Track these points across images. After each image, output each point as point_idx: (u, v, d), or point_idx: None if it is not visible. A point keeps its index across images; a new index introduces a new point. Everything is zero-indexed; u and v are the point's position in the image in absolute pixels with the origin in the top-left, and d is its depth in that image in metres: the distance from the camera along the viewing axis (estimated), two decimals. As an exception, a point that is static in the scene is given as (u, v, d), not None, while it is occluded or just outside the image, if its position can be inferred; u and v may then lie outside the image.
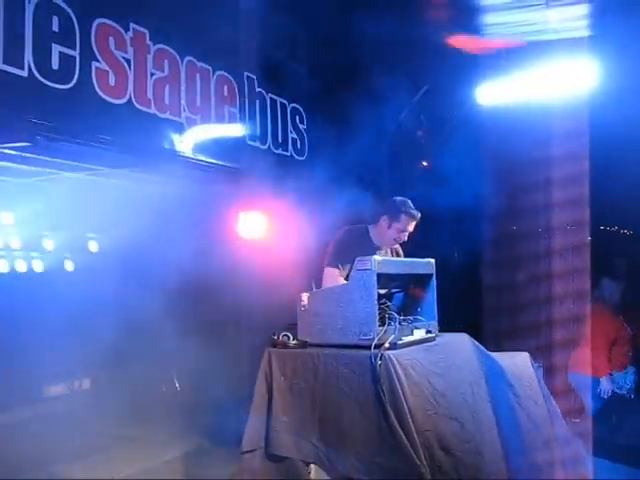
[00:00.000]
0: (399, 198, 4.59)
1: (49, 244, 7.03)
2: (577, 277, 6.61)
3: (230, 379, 6.21)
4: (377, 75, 7.20)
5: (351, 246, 4.26)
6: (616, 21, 6.03)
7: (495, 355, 4.18)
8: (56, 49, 3.97)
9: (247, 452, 3.70)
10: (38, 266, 7.00)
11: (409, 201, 4.55)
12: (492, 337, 6.14)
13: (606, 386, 6.20)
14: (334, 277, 4.23)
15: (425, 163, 8.32)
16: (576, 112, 6.42)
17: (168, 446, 6.31)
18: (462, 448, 3.36)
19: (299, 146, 6.69)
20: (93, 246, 7.38)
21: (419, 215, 4.52)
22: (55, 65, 3.97)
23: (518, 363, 4.25)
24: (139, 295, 6.67)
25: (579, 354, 6.37)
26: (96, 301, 6.80)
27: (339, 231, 4.59)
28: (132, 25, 4.58)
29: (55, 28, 3.96)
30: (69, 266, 7.24)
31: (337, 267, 4.30)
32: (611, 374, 6.30)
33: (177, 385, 7.75)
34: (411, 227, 4.53)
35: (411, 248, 4.73)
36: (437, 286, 4.10)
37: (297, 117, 6.71)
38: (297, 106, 6.70)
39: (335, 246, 4.46)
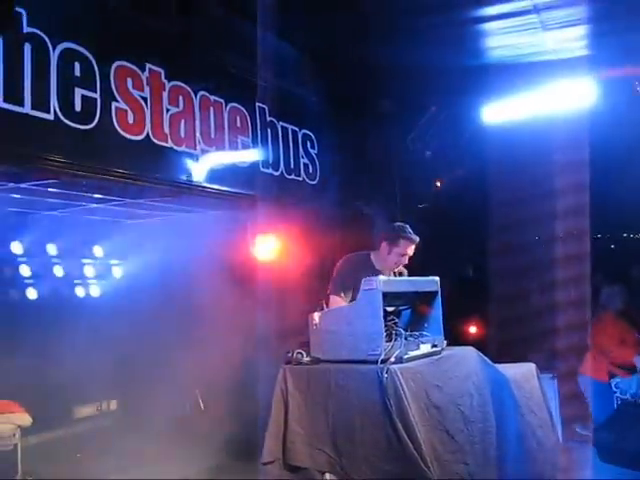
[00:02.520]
0: (397, 223, 4.82)
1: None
2: (582, 284, 6.75)
3: (250, 396, 6.42)
4: (385, 98, 7.46)
5: (352, 273, 4.44)
6: (611, 40, 6.26)
7: (501, 366, 4.37)
8: (78, 92, 4.26)
9: (266, 463, 3.93)
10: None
11: (407, 226, 4.75)
12: (499, 346, 6.32)
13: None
14: (337, 304, 4.43)
15: (438, 183, 8.52)
16: (576, 127, 6.62)
17: (191, 464, 6.51)
18: (447, 457, 3.57)
19: (311, 171, 6.92)
20: (117, 272, 7.71)
21: (417, 239, 4.71)
22: (78, 107, 4.26)
23: (523, 373, 4.45)
24: (162, 316, 6.95)
25: (588, 360, 6.54)
26: (124, 323, 7.09)
27: (342, 260, 4.80)
28: (148, 65, 4.86)
29: (77, 73, 4.26)
30: (95, 292, 7.60)
31: (339, 295, 4.50)
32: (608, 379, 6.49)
33: (201, 404, 7.95)
34: (410, 250, 4.70)
35: (423, 265, 4.93)
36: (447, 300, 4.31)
37: (308, 143, 6.95)
38: (308, 132, 6.93)
39: (337, 274, 4.67)
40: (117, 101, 4.56)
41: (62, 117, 4.14)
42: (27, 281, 6.95)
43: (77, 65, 4.27)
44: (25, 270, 6.89)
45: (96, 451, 6.87)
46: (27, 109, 3.90)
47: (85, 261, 7.57)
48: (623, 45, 6.22)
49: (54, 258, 7.17)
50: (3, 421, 5.92)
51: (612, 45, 6.31)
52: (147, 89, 4.83)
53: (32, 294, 6.97)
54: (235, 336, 6.90)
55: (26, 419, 6.06)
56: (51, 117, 4.07)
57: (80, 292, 7.52)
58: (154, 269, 7.15)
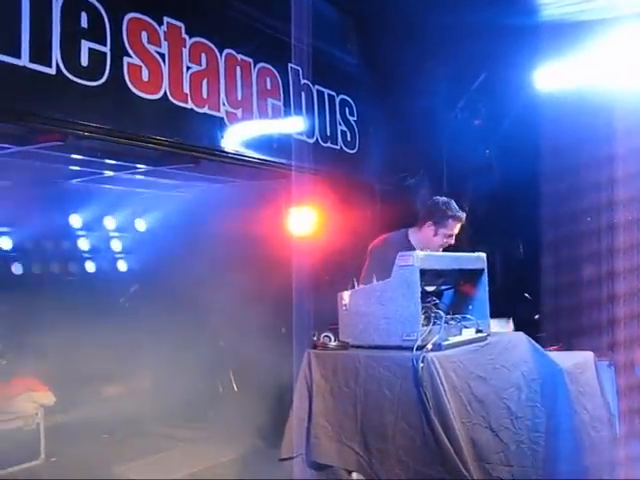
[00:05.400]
0: (441, 199, 4.40)
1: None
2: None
3: (284, 379, 6.10)
4: (432, 64, 6.95)
5: (388, 255, 3.82)
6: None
7: (555, 355, 3.92)
8: (85, 45, 3.86)
9: (286, 459, 3.56)
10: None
11: (453, 202, 4.36)
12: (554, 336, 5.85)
13: None
14: None
15: (487, 151, 8.01)
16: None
17: (224, 447, 6.25)
18: (491, 459, 3.17)
19: (349, 139, 6.45)
20: (150, 245, 7.48)
21: (465, 215, 4.33)
22: (84, 62, 3.86)
23: (579, 364, 3.96)
24: (196, 292, 6.67)
25: None
26: (156, 299, 6.87)
27: (375, 242, 4.39)
28: (166, 19, 4.45)
29: (84, 24, 3.86)
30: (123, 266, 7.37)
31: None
32: None
33: (234, 385, 7.67)
34: (457, 229, 4.35)
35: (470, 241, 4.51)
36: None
37: (347, 109, 6.47)
38: (347, 97, 6.47)
39: (371, 258, 4.30)
40: (130, 56, 4.15)
41: (65, 72, 3.75)
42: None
43: (84, 15, 3.87)
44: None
45: (124, 432, 6.65)
46: (24, 61, 3.51)
47: (115, 234, 7.37)
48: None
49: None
50: (25, 399, 5.71)
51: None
52: (165, 45, 4.41)
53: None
54: (269, 315, 6.59)
55: (49, 397, 5.86)
56: (53, 71, 3.69)
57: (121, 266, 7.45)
58: (188, 244, 6.90)
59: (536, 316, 6.65)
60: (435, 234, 4.33)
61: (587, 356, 4.20)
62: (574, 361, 3.94)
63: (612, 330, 6.16)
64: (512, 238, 7.50)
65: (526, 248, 7.34)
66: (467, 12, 5.85)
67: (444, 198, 4.42)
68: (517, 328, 5.25)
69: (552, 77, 6.74)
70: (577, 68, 6.57)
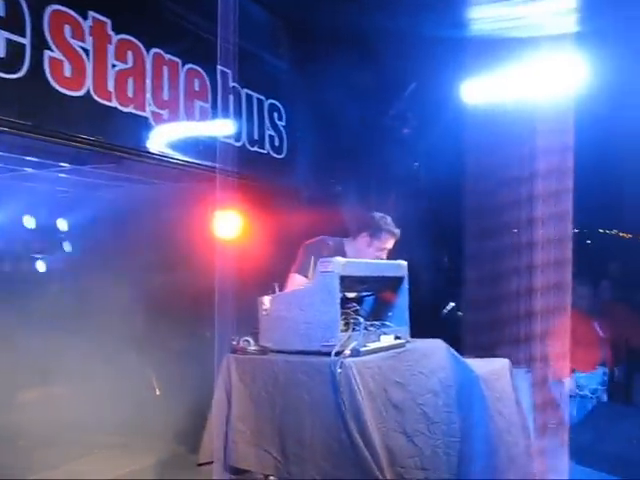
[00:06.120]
0: (378, 214, 4.46)
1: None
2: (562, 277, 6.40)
3: (206, 383, 6.02)
4: (363, 71, 7.00)
5: (323, 256, 3.86)
6: (605, 16, 5.82)
7: (472, 362, 3.96)
8: (2, 35, 3.73)
9: (204, 464, 3.50)
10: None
11: (389, 218, 4.43)
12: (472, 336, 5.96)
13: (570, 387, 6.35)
14: (299, 286, 3.98)
15: (416, 163, 8.13)
16: (563, 110, 6.19)
17: (142, 453, 6.11)
18: (405, 464, 3.19)
19: (277, 144, 6.44)
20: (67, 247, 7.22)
21: (399, 232, 4.40)
22: (1, 52, 3.73)
23: (495, 370, 4.02)
24: (113, 298, 6.49)
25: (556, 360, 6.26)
26: (76, 301, 6.66)
27: (314, 239, 4.39)
28: (91, 14, 4.34)
29: (1, 13, 3.72)
30: (41, 267, 7.10)
31: (306, 277, 4.08)
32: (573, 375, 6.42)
33: (157, 390, 7.53)
34: (391, 245, 4.40)
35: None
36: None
37: (276, 114, 6.46)
38: (276, 102, 6.45)
39: (306, 253, 4.26)
40: (51, 50, 4.03)
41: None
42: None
43: (1, 3, 3.73)
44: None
45: (40, 440, 6.42)
46: None
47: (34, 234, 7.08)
48: (617, 21, 5.79)
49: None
50: None
51: (605, 20, 5.88)
52: (89, 40, 4.30)
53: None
54: (193, 318, 6.51)
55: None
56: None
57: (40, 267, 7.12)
58: (111, 245, 6.72)
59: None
60: (369, 246, 4.37)
61: (503, 363, 4.26)
62: (490, 368, 3.99)
63: (529, 345, 6.32)
64: (438, 249, 7.64)
65: (451, 260, 7.47)
66: (399, 21, 5.94)
67: (381, 213, 4.49)
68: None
69: (479, 90, 6.90)
70: (503, 83, 6.75)
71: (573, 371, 6.51)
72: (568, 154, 6.37)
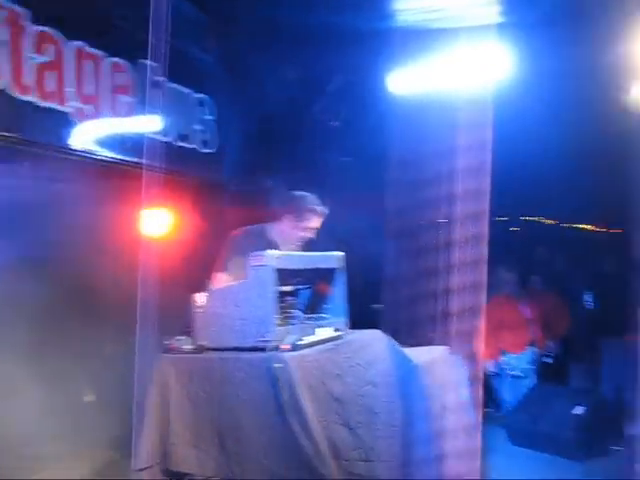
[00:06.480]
0: (301, 193, 4.32)
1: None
2: (474, 268, 6.51)
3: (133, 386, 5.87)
4: (290, 64, 6.96)
5: (246, 250, 3.67)
6: (526, 8, 5.93)
7: (410, 351, 3.96)
8: None
9: (142, 470, 3.39)
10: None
11: (313, 196, 4.29)
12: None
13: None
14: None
15: (344, 158, 8.11)
16: (482, 102, 6.27)
17: (77, 462, 5.91)
18: (349, 456, 3.18)
19: (205, 138, 6.33)
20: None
21: (326, 210, 4.27)
22: None
23: (434, 358, 4.05)
24: (35, 299, 6.23)
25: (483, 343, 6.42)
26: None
27: (235, 232, 4.28)
28: (7, 4, 4.14)
29: None
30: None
31: (234, 273, 3.93)
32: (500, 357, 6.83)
33: (86, 397, 7.29)
34: (317, 223, 4.28)
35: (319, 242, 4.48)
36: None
37: (204, 108, 6.35)
38: (203, 96, 6.33)
39: (227, 251, 4.17)
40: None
41: None
42: None
43: None
44: None
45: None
46: None
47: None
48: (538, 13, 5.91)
49: None
50: None
51: (525, 13, 5.99)
52: (5, 31, 4.10)
53: None
54: (122, 321, 6.30)
55: None
56: None
57: None
58: (29, 246, 6.43)
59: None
60: (294, 227, 4.25)
61: (442, 350, 4.30)
62: (429, 356, 4.00)
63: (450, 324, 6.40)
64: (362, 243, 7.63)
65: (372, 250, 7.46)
66: (325, 14, 5.90)
67: (302, 192, 4.34)
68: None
69: (404, 82, 6.91)
70: (428, 74, 6.79)
71: (502, 352, 6.85)
72: (487, 146, 6.47)
